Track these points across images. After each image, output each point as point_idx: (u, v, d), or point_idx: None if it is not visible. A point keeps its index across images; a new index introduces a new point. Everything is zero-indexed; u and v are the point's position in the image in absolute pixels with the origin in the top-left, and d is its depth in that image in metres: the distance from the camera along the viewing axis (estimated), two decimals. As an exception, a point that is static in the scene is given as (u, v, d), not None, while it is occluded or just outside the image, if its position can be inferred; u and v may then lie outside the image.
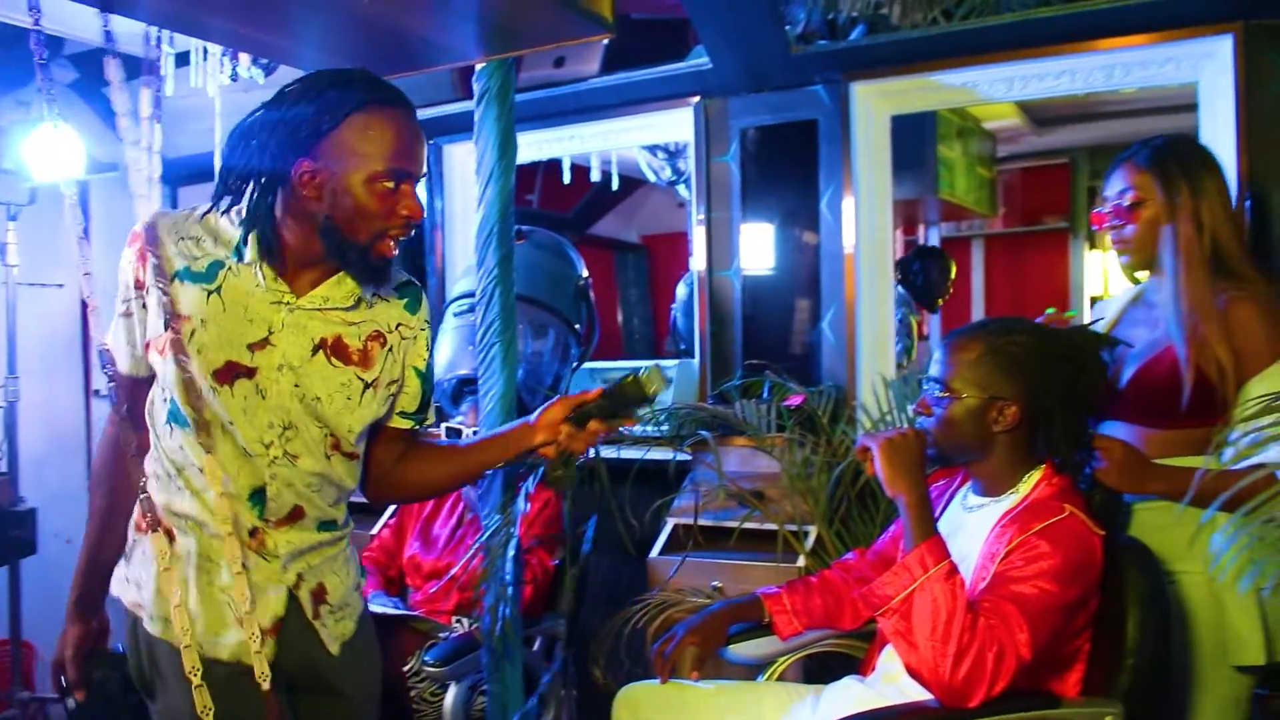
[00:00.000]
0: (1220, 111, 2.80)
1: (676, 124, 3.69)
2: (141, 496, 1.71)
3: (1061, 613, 1.73)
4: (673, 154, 4.76)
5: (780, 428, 3.10)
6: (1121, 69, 2.96)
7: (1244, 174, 2.77)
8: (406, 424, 1.85)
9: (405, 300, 1.79)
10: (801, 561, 2.81)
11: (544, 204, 5.66)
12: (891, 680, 1.94)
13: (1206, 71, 2.84)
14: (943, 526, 1.85)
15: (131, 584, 1.72)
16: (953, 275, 4.87)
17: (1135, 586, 1.81)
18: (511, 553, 2.46)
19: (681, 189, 4.96)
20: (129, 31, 3.49)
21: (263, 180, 1.62)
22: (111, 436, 1.78)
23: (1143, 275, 2.26)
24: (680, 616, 2.66)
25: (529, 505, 2.71)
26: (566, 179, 4.45)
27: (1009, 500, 1.89)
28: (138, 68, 3.98)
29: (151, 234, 1.66)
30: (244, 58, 2.94)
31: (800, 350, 3.48)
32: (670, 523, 3.07)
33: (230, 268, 1.66)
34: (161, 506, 1.69)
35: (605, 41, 3.36)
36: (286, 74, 3.40)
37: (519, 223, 2.68)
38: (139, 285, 1.66)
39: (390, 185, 1.61)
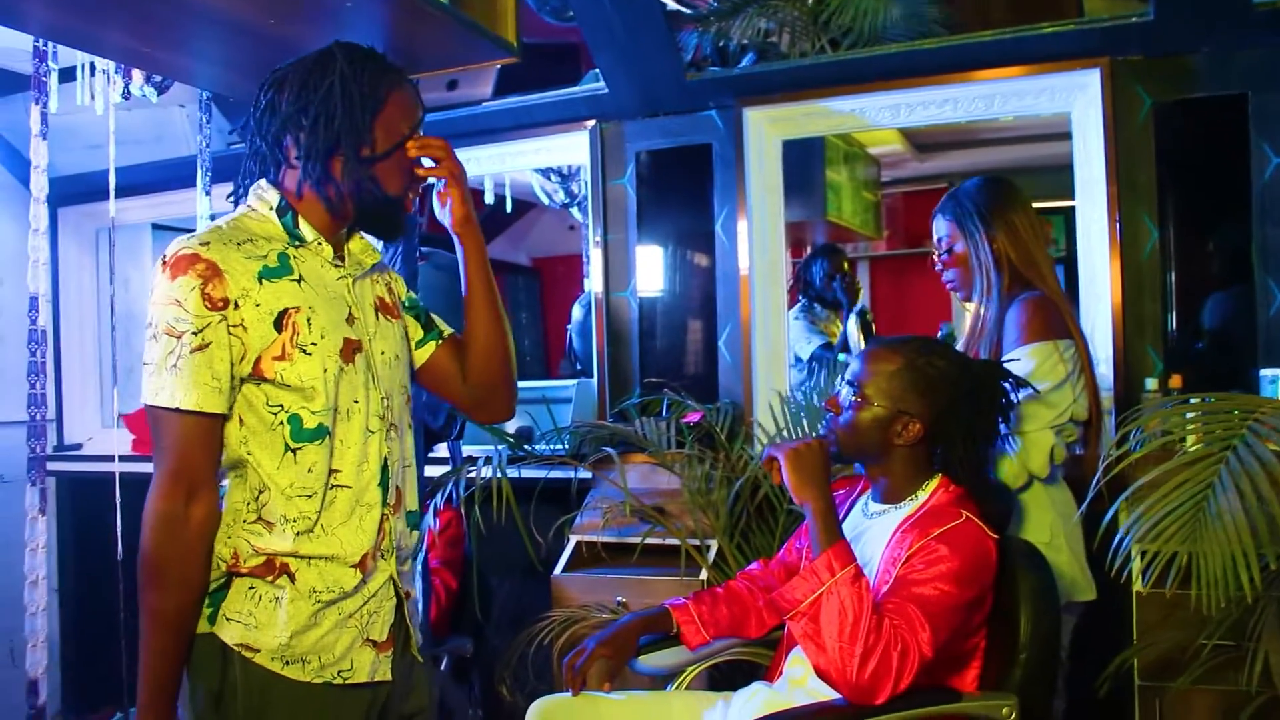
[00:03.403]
0: (1091, 140, 2.97)
1: (572, 147, 3.73)
2: (232, 540, 1.60)
3: (960, 612, 1.81)
4: (566, 177, 4.81)
5: (680, 444, 3.16)
6: (1000, 98, 3.11)
7: (1113, 198, 2.94)
8: (430, 346, 1.89)
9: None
10: (704, 575, 2.87)
11: (434, 227, 5.63)
12: (798, 684, 2.00)
13: (1078, 102, 3.01)
14: (846, 532, 1.92)
15: (234, 622, 1.59)
16: (845, 266, 4.94)
17: (1027, 586, 1.91)
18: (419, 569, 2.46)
19: (574, 211, 5.00)
20: (9, 46, 3.39)
21: (322, 161, 1.65)
22: (170, 514, 1.54)
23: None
24: (585, 632, 2.69)
25: (436, 522, 2.70)
26: (461, 201, 4.45)
27: (908, 507, 1.98)
28: (11, 83, 3.87)
29: (208, 251, 1.55)
30: (137, 75, 2.88)
31: (697, 368, 3.55)
32: (573, 540, 3.10)
33: (294, 255, 1.65)
34: (273, 551, 1.59)
35: (499, 65, 3.39)
36: (180, 91, 3.37)
37: (414, 244, 2.70)
38: (221, 304, 1.54)
39: (409, 145, 1.74)
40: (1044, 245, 2.45)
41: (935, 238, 2.53)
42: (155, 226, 4.97)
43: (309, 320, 1.60)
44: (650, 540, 2.96)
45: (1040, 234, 2.44)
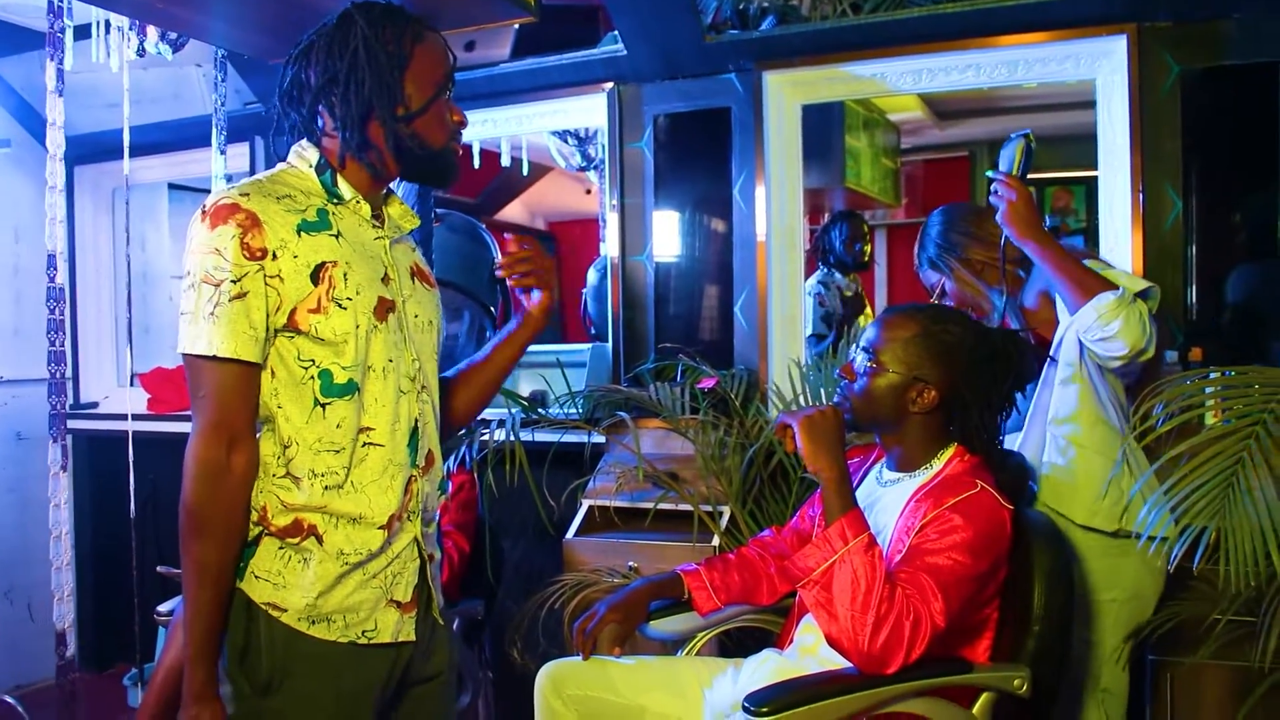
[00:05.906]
0: (1115, 108, 2.92)
1: (589, 109, 3.70)
2: (262, 495, 1.59)
3: (973, 583, 1.80)
4: (583, 140, 4.77)
5: (694, 410, 3.14)
6: (1024, 64, 3.06)
7: (1136, 168, 2.89)
8: None
9: None
10: (716, 541, 2.86)
11: (451, 189, 5.62)
12: (809, 651, 2.00)
13: (1103, 69, 2.96)
14: (859, 500, 1.91)
15: (263, 580, 1.59)
16: (865, 230, 4.92)
17: (1041, 558, 1.90)
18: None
19: (591, 175, 4.97)
20: (24, 2, 3.38)
21: (359, 128, 1.63)
22: (213, 464, 1.54)
23: None
24: (597, 596, 2.69)
25: (448, 485, 2.70)
26: (476, 164, 4.43)
27: (923, 475, 1.97)
28: (30, 40, 3.85)
29: (248, 202, 1.54)
30: (151, 32, 2.86)
31: (713, 334, 3.53)
32: (586, 504, 3.09)
33: (333, 212, 1.64)
34: (301, 507, 1.59)
35: (516, 25, 3.36)
36: (197, 50, 3.35)
37: (426, 206, 2.68)
38: (260, 254, 1.52)
39: (447, 94, 1.71)
40: None
41: (929, 289, 2.65)
42: (172, 186, 4.97)
43: (345, 275, 1.59)
44: (663, 506, 2.95)
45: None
